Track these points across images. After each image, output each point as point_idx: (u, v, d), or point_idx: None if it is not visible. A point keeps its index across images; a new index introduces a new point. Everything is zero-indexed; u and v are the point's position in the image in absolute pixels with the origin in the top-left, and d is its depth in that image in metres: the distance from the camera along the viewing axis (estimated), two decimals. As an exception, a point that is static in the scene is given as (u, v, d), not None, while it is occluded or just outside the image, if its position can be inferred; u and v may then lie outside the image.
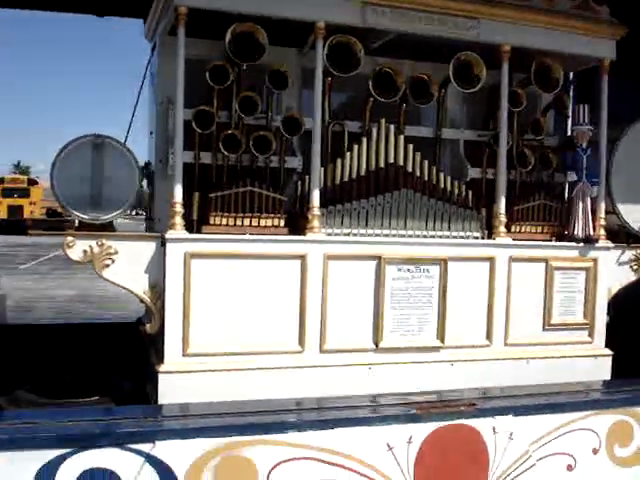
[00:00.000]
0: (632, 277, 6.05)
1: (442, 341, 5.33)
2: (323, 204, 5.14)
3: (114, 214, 4.92)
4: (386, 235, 5.27)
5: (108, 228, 4.93)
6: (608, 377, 5.81)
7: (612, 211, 6.02)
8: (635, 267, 6.03)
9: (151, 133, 5.90)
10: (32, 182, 42.42)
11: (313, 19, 4.99)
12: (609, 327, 5.90)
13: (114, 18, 7.49)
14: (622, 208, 6.05)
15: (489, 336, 5.48)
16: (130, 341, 5.86)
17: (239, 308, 4.89)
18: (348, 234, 5.20)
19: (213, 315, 4.83)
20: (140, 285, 4.84)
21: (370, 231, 5.25)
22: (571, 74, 7.10)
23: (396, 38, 5.35)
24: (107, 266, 4.78)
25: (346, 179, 5.32)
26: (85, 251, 4.74)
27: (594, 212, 5.83)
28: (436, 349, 5.34)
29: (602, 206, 5.88)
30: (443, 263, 5.31)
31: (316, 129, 5.10)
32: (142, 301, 4.97)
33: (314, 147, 5.09)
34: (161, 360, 4.80)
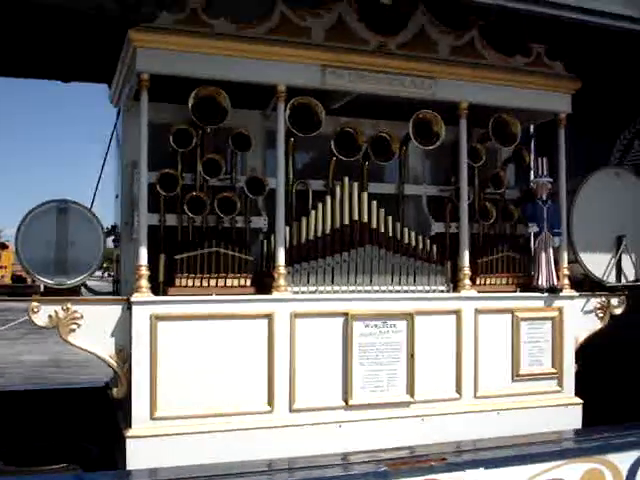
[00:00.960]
0: (598, 325, 6.13)
1: (412, 396, 5.33)
2: (289, 262, 5.17)
3: (79, 279, 4.92)
4: (352, 291, 5.31)
5: (73, 292, 4.91)
6: (579, 425, 5.83)
7: (575, 260, 6.12)
8: (601, 315, 6.12)
9: (117, 196, 5.94)
10: (2, 246, 42.08)
11: (274, 82, 5.10)
12: (578, 376, 5.93)
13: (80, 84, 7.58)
14: (584, 257, 6.16)
15: (459, 389, 5.50)
16: (98, 405, 5.80)
17: (207, 369, 4.86)
18: (315, 291, 5.23)
19: (181, 377, 4.80)
20: (106, 349, 4.81)
21: (337, 288, 5.29)
22: (531, 127, 7.28)
23: (356, 98, 5.48)
24: (73, 331, 4.75)
25: (311, 237, 5.37)
26: (50, 316, 4.72)
27: (557, 262, 5.93)
28: (406, 404, 5.34)
29: (564, 256, 5.98)
30: (410, 318, 5.35)
31: (280, 189, 5.16)
32: (109, 365, 4.93)
33: (278, 207, 5.15)
34: (129, 424, 4.75)
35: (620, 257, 6.24)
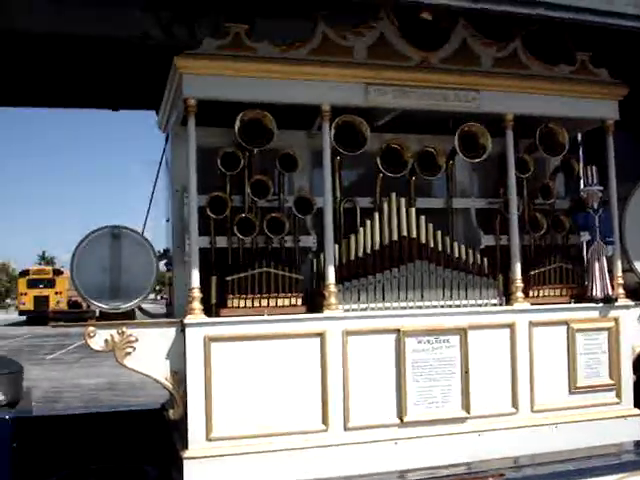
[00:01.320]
0: (656, 334, 5.98)
1: (467, 411, 5.29)
2: (339, 280, 5.19)
3: (133, 303, 5.02)
4: (404, 307, 5.30)
5: (128, 316, 5.00)
6: (639, 437, 5.70)
7: (629, 269, 6.01)
8: (657, 324, 5.98)
9: (167, 220, 6.03)
10: (57, 272, 42.92)
11: (318, 102, 5.15)
12: (636, 386, 5.81)
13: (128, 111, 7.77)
14: (639, 265, 6.04)
15: (515, 403, 5.43)
16: (155, 427, 5.86)
17: (261, 389, 4.89)
18: (366, 309, 5.22)
19: (235, 398, 4.84)
20: (162, 371, 4.88)
21: (387, 304, 5.28)
22: (579, 135, 7.19)
23: (400, 114, 5.50)
24: (128, 354, 4.83)
25: (360, 254, 5.37)
26: (106, 340, 4.81)
27: (611, 271, 5.83)
28: (462, 420, 5.29)
29: (618, 264, 5.87)
30: (463, 332, 5.31)
31: (327, 207, 5.19)
32: (164, 387, 4.99)
33: (327, 225, 5.17)
34: (185, 445, 4.80)
35: (676, 264, 6.10)
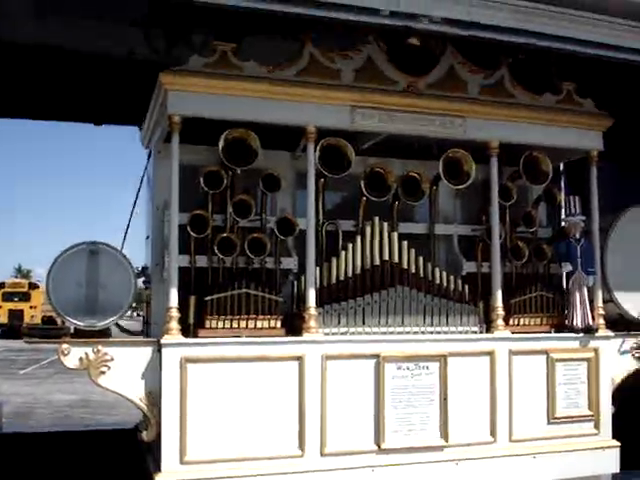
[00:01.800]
0: (635, 366, 5.99)
1: (446, 440, 5.23)
2: (319, 303, 5.14)
3: (110, 320, 4.91)
4: (384, 333, 5.25)
5: (104, 334, 4.91)
6: (617, 469, 5.68)
7: (610, 299, 6.01)
8: (637, 355, 5.98)
9: (147, 237, 5.96)
10: (33, 286, 42.38)
11: (303, 124, 5.11)
12: (615, 418, 5.79)
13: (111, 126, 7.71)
14: (619, 296, 6.05)
15: (493, 432, 5.38)
16: (127, 448, 5.75)
17: (237, 413, 4.81)
18: (345, 333, 5.17)
19: (211, 421, 4.75)
20: (136, 392, 4.78)
21: (368, 329, 5.23)
22: (561, 165, 7.22)
23: (385, 138, 5.49)
24: (103, 373, 4.74)
25: (342, 278, 5.33)
26: (81, 358, 4.71)
27: (592, 301, 5.82)
28: (440, 448, 5.23)
29: (599, 295, 5.87)
30: (443, 359, 5.26)
31: (310, 229, 5.15)
32: (138, 407, 4.89)
33: (309, 247, 5.13)
34: (158, 468, 4.69)
35: (656, 296, 6.10)
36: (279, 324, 5.08)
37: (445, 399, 5.24)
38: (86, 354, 4.70)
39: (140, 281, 5.73)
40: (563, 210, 6.35)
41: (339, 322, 5.19)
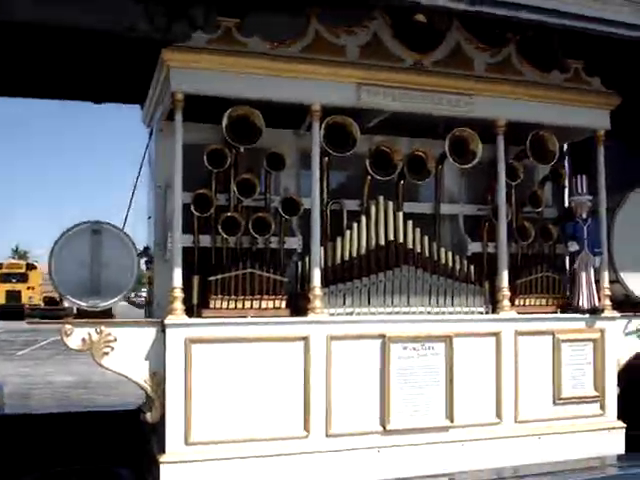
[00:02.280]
0: (640, 346, 5.95)
1: (451, 420, 5.21)
2: (324, 284, 5.09)
3: (113, 300, 4.86)
4: (389, 313, 5.20)
5: (107, 315, 4.86)
6: (622, 450, 5.67)
7: (616, 280, 5.97)
8: (643, 336, 5.94)
9: (149, 217, 5.89)
10: (30, 267, 42.28)
11: (309, 101, 5.04)
12: (620, 399, 5.76)
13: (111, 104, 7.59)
14: (626, 276, 6.01)
15: (499, 413, 5.36)
16: (131, 429, 5.72)
17: (242, 393, 4.78)
18: (351, 313, 5.13)
19: (215, 402, 4.71)
20: (140, 373, 4.74)
21: (373, 309, 5.18)
22: (565, 145, 7.14)
23: (391, 116, 5.40)
24: (106, 354, 4.69)
25: (347, 258, 5.28)
26: (84, 339, 4.66)
27: (598, 282, 5.77)
28: (445, 429, 5.20)
29: (606, 276, 5.83)
30: (449, 340, 5.23)
31: (315, 209, 5.09)
32: (142, 388, 4.85)
33: (313, 227, 5.07)
34: (162, 449, 4.67)
35: (662, 276, 6.06)
36: (284, 304, 5.03)
37: (451, 380, 5.20)
38: (89, 334, 4.65)
39: (142, 262, 5.67)
40: (568, 190, 6.29)
41: (344, 302, 5.14)
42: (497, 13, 4.91)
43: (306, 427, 4.89)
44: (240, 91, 4.91)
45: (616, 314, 5.80)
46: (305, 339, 4.91)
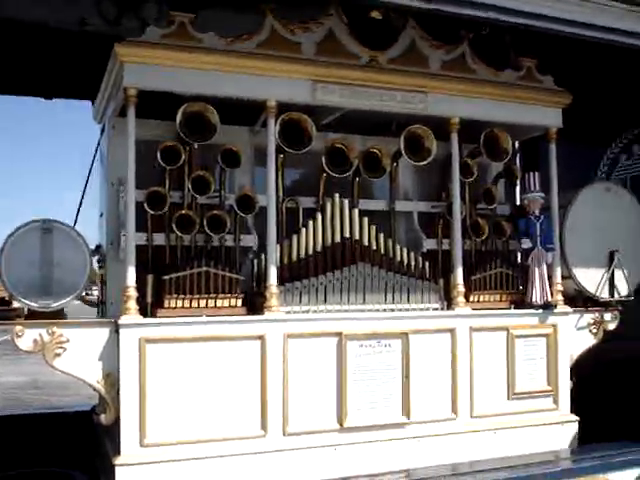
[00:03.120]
0: (592, 341, 6.07)
1: (408, 417, 5.22)
2: (280, 282, 5.05)
3: (65, 300, 4.75)
4: (346, 310, 5.19)
5: (59, 315, 4.75)
6: (576, 444, 5.76)
7: (568, 276, 6.06)
8: (594, 331, 6.07)
9: (101, 215, 5.79)
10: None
11: (264, 98, 5.00)
12: (573, 393, 5.86)
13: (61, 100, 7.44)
14: (578, 272, 6.10)
15: (454, 409, 5.40)
16: (84, 431, 5.62)
17: (198, 394, 4.72)
18: (307, 311, 5.11)
19: (171, 402, 4.65)
20: (94, 374, 4.66)
21: (329, 307, 5.17)
22: (517, 143, 7.23)
23: (346, 113, 5.39)
24: (58, 355, 4.60)
25: (303, 255, 5.26)
26: (35, 340, 4.56)
27: (550, 278, 5.85)
28: (402, 425, 5.22)
29: (558, 271, 5.91)
30: (405, 337, 5.24)
31: (270, 206, 5.05)
32: (96, 390, 4.77)
33: (269, 225, 5.04)
34: (117, 451, 4.59)
35: (613, 272, 6.18)
36: (239, 303, 4.98)
37: (407, 376, 5.22)
38: (40, 336, 4.55)
39: (94, 260, 5.57)
40: (521, 187, 6.37)
41: (300, 300, 5.12)
42: (451, 11, 4.92)
43: (263, 426, 4.86)
44: (194, 87, 4.85)
45: (568, 309, 5.89)
46: (261, 337, 4.88)
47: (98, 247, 5.70)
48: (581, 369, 5.99)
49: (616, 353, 6.45)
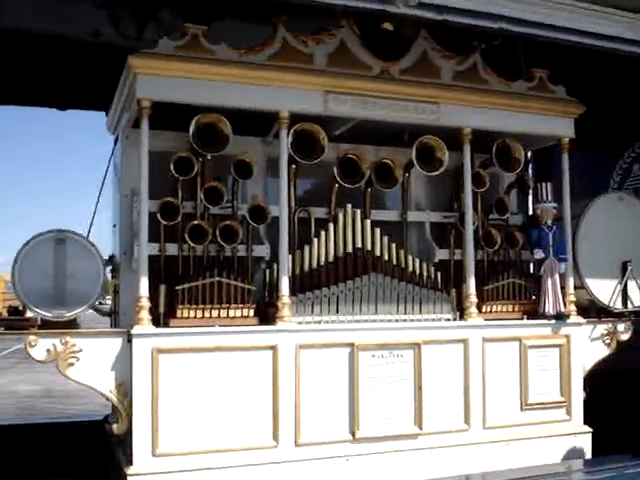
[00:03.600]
0: (605, 352, 6.04)
1: (420, 428, 5.21)
2: (292, 292, 5.06)
3: (78, 310, 4.78)
4: (358, 321, 5.20)
5: (72, 325, 4.78)
6: (589, 455, 5.72)
7: (581, 286, 6.03)
8: (607, 342, 6.04)
9: (114, 225, 5.82)
10: (-8, 274, 41.64)
11: (276, 108, 5.02)
12: (586, 404, 5.82)
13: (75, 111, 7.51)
14: (590, 282, 6.07)
15: (467, 420, 5.38)
16: (96, 441, 5.64)
17: (210, 404, 4.73)
18: (319, 322, 5.11)
19: (183, 412, 4.66)
20: (106, 384, 4.67)
21: (342, 317, 5.17)
22: (529, 152, 7.22)
23: (358, 124, 5.41)
24: (71, 365, 4.62)
25: (315, 266, 5.27)
26: (49, 350, 4.58)
27: (563, 288, 5.83)
28: (414, 436, 5.21)
29: (571, 282, 5.89)
30: (417, 347, 5.23)
31: (283, 217, 5.07)
32: (108, 399, 4.78)
33: (281, 235, 5.05)
34: (130, 461, 4.60)
35: (626, 282, 6.15)
36: (252, 313, 4.99)
37: (419, 387, 5.21)
38: (54, 345, 4.58)
39: (107, 270, 5.59)
40: (533, 197, 6.35)
41: (312, 311, 5.12)
42: (462, 22, 4.94)
43: (275, 437, 4.86)
44: (207, 98, 4.88)
45: (581, 320, 5.87)
46: (273, 348, 4.89)
47: (111, 257, 5.74)
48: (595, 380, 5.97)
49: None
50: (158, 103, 4.76)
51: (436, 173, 5.57)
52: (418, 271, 5.51)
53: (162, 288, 5.01)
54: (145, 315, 4.68)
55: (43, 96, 7.11)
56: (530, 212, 6.47)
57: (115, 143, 5.97)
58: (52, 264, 4.79)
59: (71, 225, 4.92)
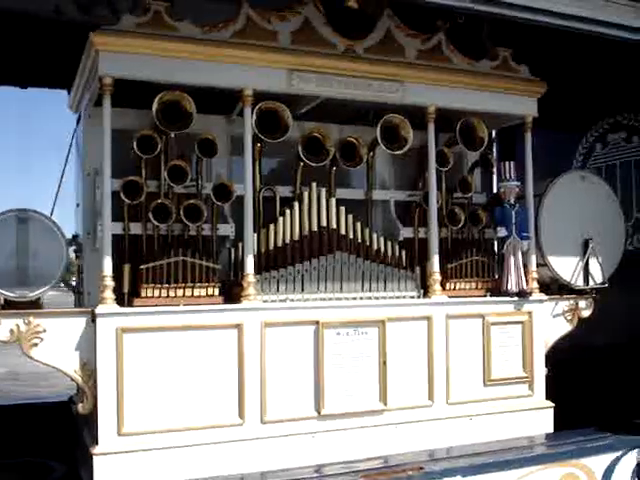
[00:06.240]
0: (567, 328, 6.14)
1: (385, 404, 5.26)
2: (257, 271, 5.07)
3: (42, 290, 4.73)
4: (323, 299, 5.22)
5: (35, 305, 4.73)
6: (551, 429, 5.84)
7: (543, 264, 6.12)
8: (569, 318, 6.14)
9: (77, 205, 5.77)
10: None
11: (240, 86, 4.99)
12: (548, 379, 5.93)
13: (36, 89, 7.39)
14: (552, 260, 6.16)
15: (431, 396, 5.44)
16: (62, 421, 5.62)
17: (175, 382, 4.73)
18: (284, 300, 5.12)
19: (148, 391, 4.66)
20: (71, 364, 4.64)
21: (307, 296, 5.19)
22: (493, 132, 7.27)
23: (323, 103, 5.40)
24: (35, 345, 4.57)
25: (280, 244, 5.26)
26: (12, 330, 4.53)
27: (526, 266, 5.91)
28: (379, 412, 5.26)
29: (533, 259, 5.97)
30: (381, 325, 5.28)
31: (247, 195, 5.05)
32: (73, 380, 4.76)
33: (246, 213, 5.04)
34: (95, 441, 4.59)
35: (587, 260, 6.25)
36: (217, 292, 4.98)
37: (384, 363, 5.26)
38: (17, 326, 4.53)
39: (71, 250, 5.55)
40: (497, 176, 6.42)
41: (278, 289, 5.13)
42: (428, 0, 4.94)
43: (241, 414, 4.87)
44: (170, 76, 4.82)
45: (544, 297, 5.96)
46: (238, 326, 4.89)
47: (75, 237, 5.68)
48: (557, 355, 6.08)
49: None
50: (121, 80, 4.70)
51: (401, 152, 5.59)
52: (383, 249, 5.53)
53: (126, 267, 4.96)
54: (109, 294, 4.65)
55: (4, 74, 6.99)
56: (494, 191, 6.55)
57: (77, 121, 5.90)
58: (15, 244, 4.73)
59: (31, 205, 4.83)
